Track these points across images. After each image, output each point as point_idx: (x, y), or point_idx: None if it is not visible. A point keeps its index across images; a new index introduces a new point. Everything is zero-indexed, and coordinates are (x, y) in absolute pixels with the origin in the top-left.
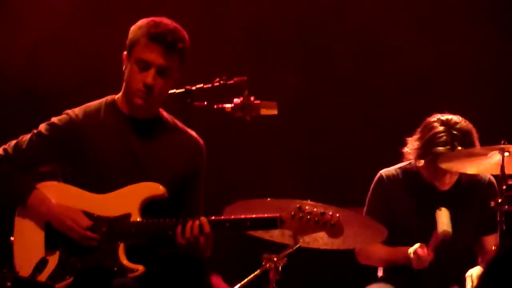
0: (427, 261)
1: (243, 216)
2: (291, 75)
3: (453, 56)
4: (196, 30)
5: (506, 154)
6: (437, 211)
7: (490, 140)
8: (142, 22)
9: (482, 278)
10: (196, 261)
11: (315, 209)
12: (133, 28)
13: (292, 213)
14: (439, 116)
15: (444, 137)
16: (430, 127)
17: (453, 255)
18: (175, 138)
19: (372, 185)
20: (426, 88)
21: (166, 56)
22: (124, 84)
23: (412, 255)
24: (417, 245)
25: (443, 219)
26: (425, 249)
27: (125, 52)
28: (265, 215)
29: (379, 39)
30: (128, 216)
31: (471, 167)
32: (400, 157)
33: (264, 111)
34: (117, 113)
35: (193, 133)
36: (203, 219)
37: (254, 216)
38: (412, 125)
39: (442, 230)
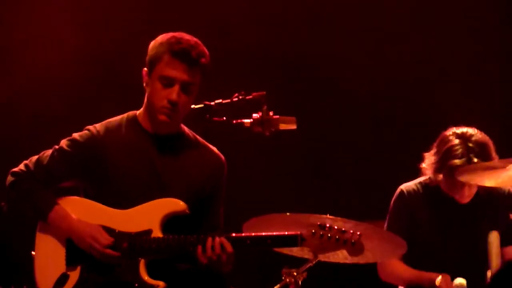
0: None
1: (263, 234)
2: (310, 90)
3: (469, 69)
4: (215, 45)
5: None
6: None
7: (509, 152)
8: (162, 38)
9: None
10: (217, 276)
11: (335, 227)
12: (153, 44)
13: (313, 231)
14: (454, 129)
15: (460, 149)
16: (446, 140)
17: (478, 267)
18: (196, 154)
19: (393, 200)
20: (444, 101)
21: (190, 72)
22: (146, 101)
23: (438, 282)
24: (443, 277)
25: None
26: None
27: (145, 69)
28: (286, 233)
29: (391, 53)
30: (149, 232)
31: (489, 180)
32: (418, 171)
33: (283, 126)
34: (139, 129)
35: (214, 149)
36: (224, 237)
37: (274, 233)
38: (431, 138)
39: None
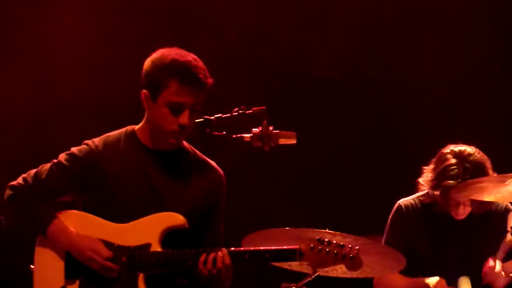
0: None
1: (262, 248)
2: (310, 105)
3: (470, 82)
4: (215, 59)
5: None
6: (460, 279)
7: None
8: (161, 60)
9: None
10: None
11: (334, 241)
12: (151, 66)
13: (312, 245)
14: (452, 147)
15: (456, 170)
16: (443, 159)
17: (477, 282)
18: (195, 169)
19: (391, 215)
20: (444, 116)
21: (198, 94)
22: (148, 120)
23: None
24: (436, 279)
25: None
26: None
27: (145, 91)
28: (285, 247)
29: (395, 66)
30: (148, 246)
31: (489, 195)
32: (416, 186)
33: (282, 141)
34: (138, 144)
35: (214, 164)
36: (224, 250)
37: (273, 248)
38: (429, 153)
39: None
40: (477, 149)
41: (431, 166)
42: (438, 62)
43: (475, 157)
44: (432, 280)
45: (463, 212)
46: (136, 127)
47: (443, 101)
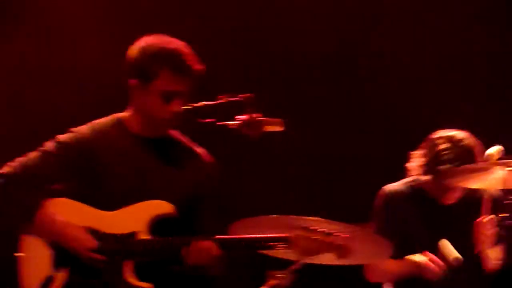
0: (441, 271)
1: (250, 236)
2: (298, 92)
3: (457, 70)
4: (203, 46)
5: (510, 169)
6: (439, 243)
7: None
8: (150, 48)
9: None
10: (206, 279)
11: (322, 229)
12: (140, 55)
13: (300, 233)
14: (443, 132)
15: (449, 154)
16: (435, 144)
17: (461, 269)
18: (185, 157)
19: (377, 201)
20: (430, 103)
21: (189, 81)
22: (139, 110)
23: (422, 263)
24: (422, 257)
25: (449, 248)
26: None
27: (134, 80)
28: (273, 235)
29: (380, 51)
30: (135, 234)
31: (475, 182)
32: (403, 173)
33: (269, 128)
34: (127, 131)
35: (204, 152)
36: (211, 240)
37: (261, 235)
38: (416, 140)
39: (454, 257)
40: (468, 134)
41: (421, 152)
42: (422, 52)
43: (466, 142)
44: (417, 257)
45: (453, 196)
46: (122, 115)
47: (431, 84)
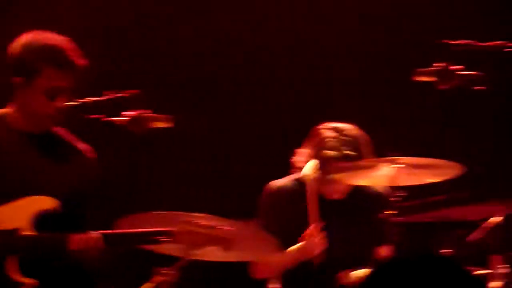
0: (320, 247)
1: (134, 230)
2: (186, 89)
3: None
4: (88, 41)
5: (396, 166)
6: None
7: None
8: (32, 45)
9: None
10: (91, 274)
11: (206, 224)
12: (22, 52)
13: (183, 226)
14: (327, 124)
15: (332, 141)
16: (318, 132)
17: (346, 265)
18: (69, 152)
19: (262, 197)
20: (316, 100)
21: (73, 77)
22: (22, 107)
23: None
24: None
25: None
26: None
27: (18, 78)
28: (156, 229)
29: (260, 50)
30: (17, 230)
31: (361, 179)
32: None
33: (156, 124)
34: (9, 127)
35: (86, 147)
36: (95, 233)
37: (144, 230)
38: (302, 137)
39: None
40: (355, 126)
41: (306, 144)
42: (304, 50)
43: (351, 132)
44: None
45: (338, 190)
46: (4, 110)
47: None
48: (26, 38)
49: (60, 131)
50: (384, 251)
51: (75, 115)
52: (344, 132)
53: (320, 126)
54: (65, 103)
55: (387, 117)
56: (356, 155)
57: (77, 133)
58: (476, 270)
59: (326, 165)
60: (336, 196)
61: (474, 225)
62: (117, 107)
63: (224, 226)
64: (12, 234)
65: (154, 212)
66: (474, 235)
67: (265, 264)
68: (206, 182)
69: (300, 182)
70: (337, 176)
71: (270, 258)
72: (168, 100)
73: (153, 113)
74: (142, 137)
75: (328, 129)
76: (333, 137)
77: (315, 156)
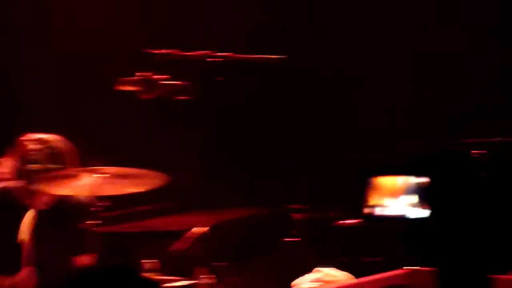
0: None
1: None
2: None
3: None
4: None
5: (100, 175)
6: None
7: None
8: None
9: None
10: None
11: None
12: None
13: None
14: (31, 135)
15: (36, 155)
16: (23, 145)
17: (47, 275)
18: None
19: None
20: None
21: None
22: None
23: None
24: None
25: None
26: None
27: None
28: None
29: None
30: None
31: (64, 188)
32: None
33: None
34: None
35: None
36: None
37: None
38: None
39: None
40: (61, 137)
41: (11, 155)
42: None
43: (55, 144)
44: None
45: (41, 201)
46: None
47: None
48: None
49: None
50: (83, 260)
51: None
52: (48, 144)
53: (24, 137)
54: None
55: (92, 128)
56: (61, 168)
57: None
58: (181, 280)
59: (30, 177)
60: (42, 206)
61: (178, 235)
62: None
63: None
64: None
65: None
66: (178, 245)
67: None
68: None
69: (5, 192)
70: (41, 186)
71: None
72: None
73: None
74: None
75: (32, 141)
76: (38, 150)
77: (19, 168)
